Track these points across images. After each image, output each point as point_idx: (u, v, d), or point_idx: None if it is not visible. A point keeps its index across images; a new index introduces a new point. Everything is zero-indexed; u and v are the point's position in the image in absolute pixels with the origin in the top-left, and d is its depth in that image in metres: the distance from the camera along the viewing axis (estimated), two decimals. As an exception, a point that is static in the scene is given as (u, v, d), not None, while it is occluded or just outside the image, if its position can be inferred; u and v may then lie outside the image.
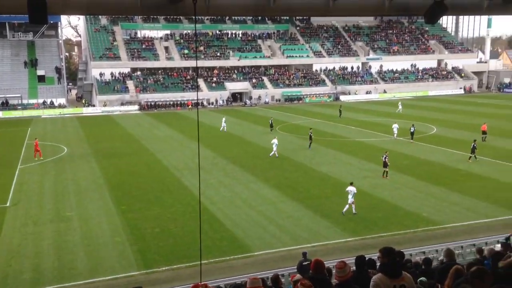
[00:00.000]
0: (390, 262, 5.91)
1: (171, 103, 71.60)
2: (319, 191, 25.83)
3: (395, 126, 40.73)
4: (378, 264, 7.12)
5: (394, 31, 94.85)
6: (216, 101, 73.96)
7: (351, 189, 21.85)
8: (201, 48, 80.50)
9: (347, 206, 21.88)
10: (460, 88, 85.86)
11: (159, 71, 77.45)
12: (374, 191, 25.39)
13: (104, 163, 33.51)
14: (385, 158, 27.88)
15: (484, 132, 38.17)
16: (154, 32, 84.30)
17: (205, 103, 73.23)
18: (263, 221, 21.31)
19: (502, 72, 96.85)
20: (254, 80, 79.11)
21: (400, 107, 59.46)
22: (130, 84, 73.42)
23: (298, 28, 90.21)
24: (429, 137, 40.99)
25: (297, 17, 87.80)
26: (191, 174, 29.49)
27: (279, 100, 77.02)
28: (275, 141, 34.41)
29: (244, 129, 47.51)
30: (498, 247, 13.22)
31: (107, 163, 33.48)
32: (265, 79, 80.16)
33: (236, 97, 77.87)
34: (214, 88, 76.05)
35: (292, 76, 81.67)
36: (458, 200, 23.67)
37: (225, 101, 74.63)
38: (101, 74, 72.92)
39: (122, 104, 69.88)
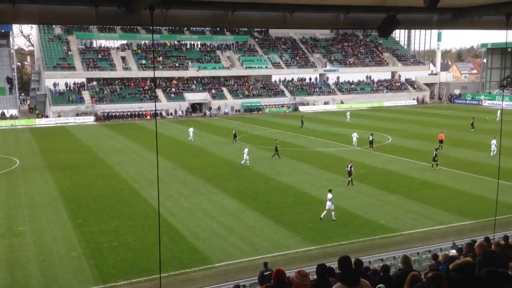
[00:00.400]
0: (348, 271, 6.01)
1: (129, 113, 70.37)
2: (280, 201, 25.96)
3: (354, 135, 42.08)
4: (337, 272, 7.20)
5: (350, 44, 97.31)
6: (175, 111, 73.33)
7: (330, 196, 22.40)
8: (160, 58, 79.78)
9: (325, 212, 22.33)
10: (413, 99, 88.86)
11: (116, 81, 76.14)
12: (333, 199, 25.72)
13: (59, 176, 32.45)
14: (350, 167, 28.54)
15: (441, 141, 39.56)
16: (111, 41, 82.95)
17: (164, 113, 72.45)
18: (224, 232, 21.18)
19: (452, 84, 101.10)
20: (213, 91, 79.04)
21: (348, 116, 61.19)
22: (86, 94, 71.71)
23: (256, 39, 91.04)
24: (385, 146, 42.10)
25: (256, 29, 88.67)
26: (150, 185, 29.00)
27: (239, 111, 77.24)
28: (246, 150, 34.60)
29: (204, 140, 47.26)
30: (452, 252, 13.68)
31: (61, 176, 32.44)
32: (225, 89, 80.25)
33: (195, 107, 77.48)
34: (173, 99, 75.38)
35: (251, 87, 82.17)
36: (414, 207, 24.35)
37: (184, 112, 74.10)
38: (55, 85, 70.87)
39: (77, 115, 68.08)
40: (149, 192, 27.63)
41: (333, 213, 22.40)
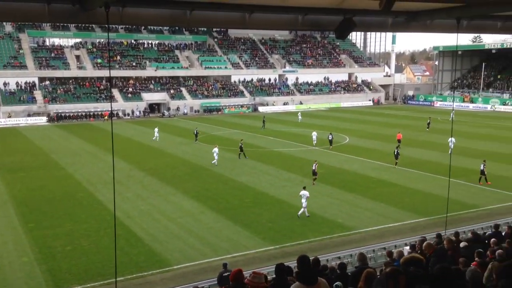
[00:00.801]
0: (306, 270, 6.06)
1: (84, 114, 68.47)
2: (239, 201, 25.95)
3: (314, 134, 43.09)
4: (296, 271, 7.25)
5: (308, 45, 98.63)
6: (133, 112, 71.96)
7: (304, 193, 22.69)
8: (117, 57, 78.09)
9: (302, 209, 22.74)
10: (369, 100, 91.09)
11: (70, 81, 73.95)
12: (292, 199, 25.97)
13: (9, 178, 31.15)
14: (314, 166, 29.15)
15: (399, 141, 40.85)
16: (64, 40, 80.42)
17: (120, 114, 70.95)
18: (183, 233, 20.96)
19: (406, 85, 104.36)
20: (172, 91, 78.13)
21: (299, 117, 62.39)
22: (38, 94, 69.21)
23: (216, 39, 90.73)
24: (342, 146, 42.91)
25: (215, 29, 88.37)
26: (106, 187, 28.30)
27: (198, 111, 76.72)
28: (216, 149, 34.74)
29: (162, 141, 46.62)
30: (406, 249, 14.08)
31: (12, 178, 31.15)
32: (184, 90, 79.51)
33: (153, 108, 76.33)
34: (130, 99, 73.95)
35: (210, 87, 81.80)
36: (370, 206, 24.93)
37: (142, 112, 72.84)
38: (5, 84, 67.99)
39: (29, 115, 65.59)
40: (105, 194, 26.96)
41: (302, 210, 22.90)
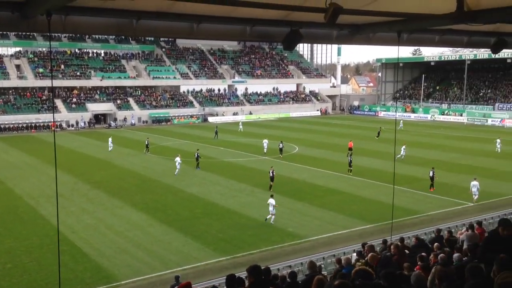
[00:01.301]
0: (256, 281, 6.06)
1: (25, 125, 65.52)
2: (189, 212, 25.63)
3: (265, 142, 44.16)
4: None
5: (257, 56, 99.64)
6: (77, 123, 69.64)
7: (271, 201, 23.44)
8: (61, 67, 75.51)
9: (269, 215, 23.45)
10: (317, 110, 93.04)
11: (10, 91, 70.66)
12: (243, 209, 26.00)
13: None
14: (272, 172, 29.88)
15: (350, 149, 42.04)
16: (4, 49, 77.03)
17: (64, 125, 68.48)
18: (131, 247, 20.41)
19: (352, 96, 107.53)
20: (119, 101, 76.40)
21: (240, 126, 63.29)
22: (-25, 104, 65.65)
23: (163, 49, 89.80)
24: (292, 156, 43.46)
25: (163, 39, 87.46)
26: (49, 202, 27.12)
27: (146, 122, 75.39)
28: (178, 159, 34.75)
29: (109, 152, 45.37)
30: (354, 256, 14.39)
31: None
32: (131, 100, 77.96)
33: (99, 118, 74.26)
34: (74, 109, 71.61)
35: (159, 98, 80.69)
36: (320, 214, 25.33)
37: (87, 123, 70.65)
38: None
39: (-36, 127, 62.03)
40: (48, 208, 25.83)
41: (273, 217, 23.46)
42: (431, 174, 30.00)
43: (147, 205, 26.97)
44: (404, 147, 40.06)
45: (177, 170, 34.63)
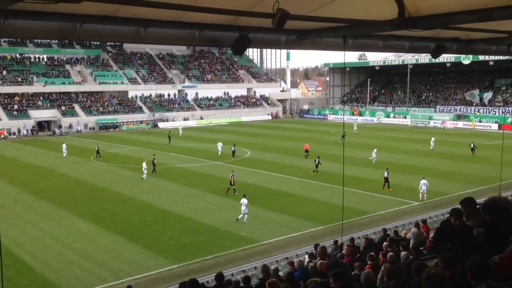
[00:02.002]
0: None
1: (-38, 134, 62.02)
2: (140, 220, 25.09)
3: (219, 145, 45.14)
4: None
5: (207, 61, 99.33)
6: (19, 130, 66.60)
7: (244, 201, 24.02)
8: (2, 72, 71.98)
9: (240, 215, 24.00)
10: (268, 114, 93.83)
11: None
12: (195, 215, 25.76)
13: None
14: (232, 176, 30.31)
15: (306, 151, 43.17)
16: None
17: (5, 133, 65.31)
18: (79, 258, 19.72)
19: (301, 100, 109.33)
20: (63, 108, 73.81)
21: (180, 131, 63.60)
22: None
23: (110, 54, 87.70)
24: (243, 160, 43.54)
25: (109, 43, 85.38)
26: (-10, 214, 25.74)
27: (93, 128, 73.24)
28: (144, 164, 34.77)
29: (54, 160, 43.68)
30: (306, 258, 14.58)
31: None
32: (76, 106, 75.53)
33: (43, 126, 71.39)
34: (16, 117, 68.50)
35: (106, 103, 78.64)
36: (273, 217, 25.50)
37: (29, 130, 67.71)
38: None
39: None
40: (-11, 221, 24.50)
41: (245, 216, 24.06)
42: (385, 174, 30.95)
43: (96, 214, 26.17)
44: (375, 150, 41.22)
45: (144, 175, 34.63)
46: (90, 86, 79.41)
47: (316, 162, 36.26)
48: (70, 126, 70.81)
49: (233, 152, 43.53)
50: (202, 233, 22.90)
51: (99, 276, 18.00)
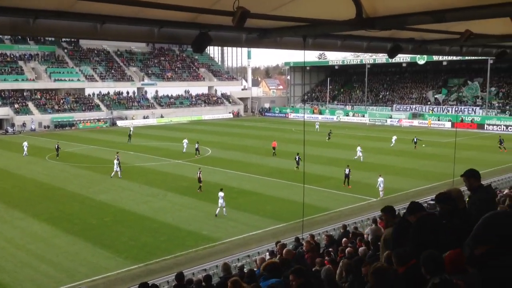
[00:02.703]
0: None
1: None
2: (98, 220, 24.52)
3: (185, 142, 46.06)
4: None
5: (167, 58, 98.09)
6: (-31, 129, 63.77)
7: (221, 194, 24.92)
8: None
9: (218, 209, 24.77)
10: (230, 112, 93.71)
11: None
12: (155, 215, 25.42)
13: None
14: (199, 173, 30.67)
15: (274, 148, 44.28)
16: None
17: (-46, 132, 62.39)
18: (34, 260, 19.10)
19: (262, 98, 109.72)
20: (16, 105, 71.11)
21: (131, 129, 61.56)
22: None
23: (66, 50, 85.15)
24: (205, 158, 43.30)
25: (64, 39, 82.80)
26: None
27: (48, 127, 70.94)
28: (116, 161, 34.68)
29: (7, 160, 42.01)
30: (267, 255, 14.66)
31: None
32: (30, 104, 72.93)
33: (-5, 124, 68.63)
34: (-35, 115, 65.50)
35: (62, 101, 76.32)
36: (234, 215, 25.49)
37: (-19, 129, 64.92)
38: None
39: None
40: None
41: (224, 209, 24.83)
42: (347, 171, 31.70)
43: (51, 215, 25.39)
44: (359, 148, 42.39)
45: (119, 171, 34.41)
46: (44, 83, 76.84)
47: (297, 159, 36.68)
48: (24, 125, 68.34)
49: (197, 149, 43.83)
50: (162, 232, 22.63)
51: (54, 278, 17.50)
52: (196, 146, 44.12)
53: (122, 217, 25.09)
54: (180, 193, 29.96)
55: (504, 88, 75.38)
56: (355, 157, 41.35)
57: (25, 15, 6.73)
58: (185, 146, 45.55)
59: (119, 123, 75.96)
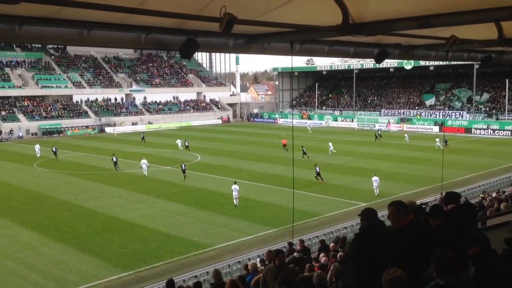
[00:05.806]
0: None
1: None
2: (87, 228, 24.30)
3: (178, 142, 50.43)
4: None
5: (155, 65, 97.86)
6: (-45, 137, 62.94)
7: (235, 187, 27.26)
8: None
9: (235, 200, 27.26)
10: (218, 118, 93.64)
11: None
12: (145, 221, 25.27)
13: None
14: (183, 166, 34.44)
15: (284, 145, 48.05)
16: None
17: None
18: (22, 269, 18.87)
19: (251, 104, 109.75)
20: (3, 113, 70.45)
21: (115, 133, 64.77)
22: None
23: (53, 56, 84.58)
24: (194, 165, 43.14)
25: (51, 46, 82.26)
26: None
27: (36, 134, 70.30)
28: (144, 161, 37.17)
29: (-7, 169, 41.53)
30: (258, 261, 14.65)
31: None
32: (17, 111, 72.25)
33: (-19, 132, 67.81)
34: (-49, 123, 64.65)
35: (49, 108, 75.73)
36: (224, 222, 25.41)
37: (-34, 137, 64.11)
38: None
39: None
40: None
41: (236, 200, 27.22)
42: (317, 170, 33.69)
43: (40, 223, 25.12)
44: (330, 143, 47.03)
45: (145, 172, 36.68)
46: (31, 90, 76.23)
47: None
48: (11, 132, 67.66)
49: (187, 147, 50.14)
50: (152, 239, 22.49)
51: (44, 286, 17.32)
52: (186, 144, 50.22)
53: (112, 225, 24.89)
54: (169, 199, 29.82)
55: (490, 93, 76.35)
56: (330, 154, 45.23)
57: (11, 21, 6.69)
58: (179, 146, 50.39)
59: (108, 129, 75.50)
